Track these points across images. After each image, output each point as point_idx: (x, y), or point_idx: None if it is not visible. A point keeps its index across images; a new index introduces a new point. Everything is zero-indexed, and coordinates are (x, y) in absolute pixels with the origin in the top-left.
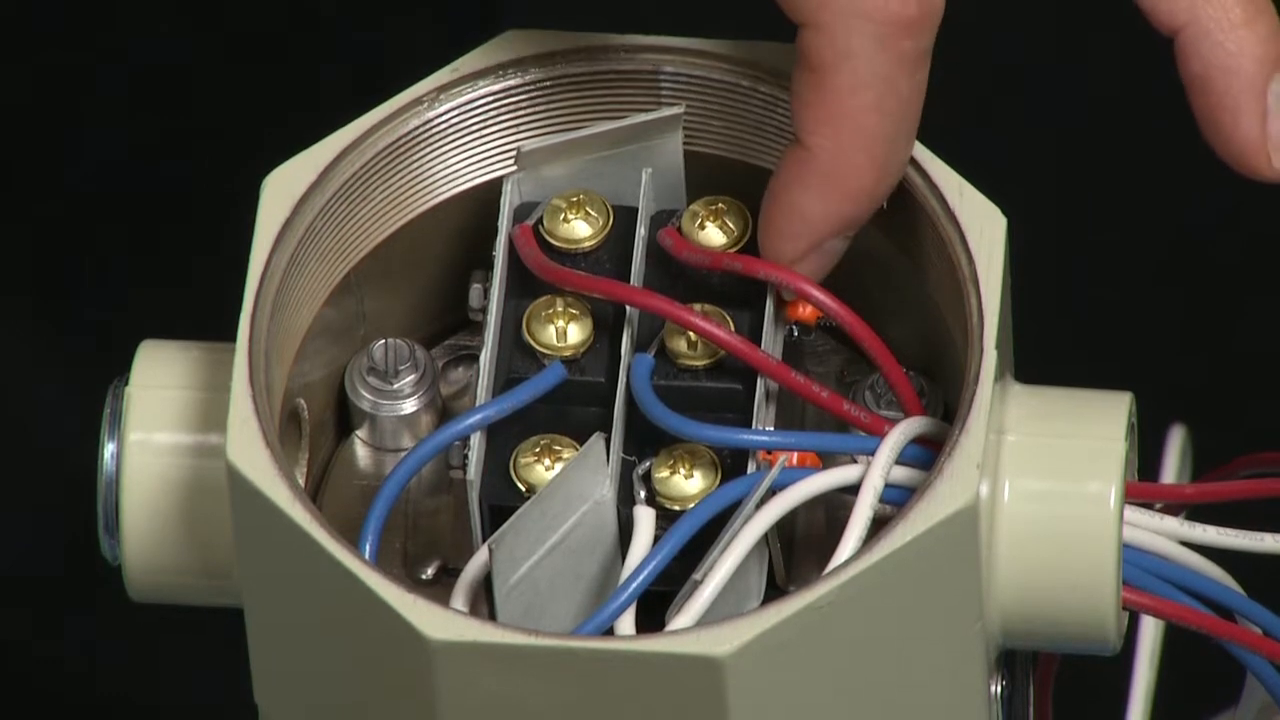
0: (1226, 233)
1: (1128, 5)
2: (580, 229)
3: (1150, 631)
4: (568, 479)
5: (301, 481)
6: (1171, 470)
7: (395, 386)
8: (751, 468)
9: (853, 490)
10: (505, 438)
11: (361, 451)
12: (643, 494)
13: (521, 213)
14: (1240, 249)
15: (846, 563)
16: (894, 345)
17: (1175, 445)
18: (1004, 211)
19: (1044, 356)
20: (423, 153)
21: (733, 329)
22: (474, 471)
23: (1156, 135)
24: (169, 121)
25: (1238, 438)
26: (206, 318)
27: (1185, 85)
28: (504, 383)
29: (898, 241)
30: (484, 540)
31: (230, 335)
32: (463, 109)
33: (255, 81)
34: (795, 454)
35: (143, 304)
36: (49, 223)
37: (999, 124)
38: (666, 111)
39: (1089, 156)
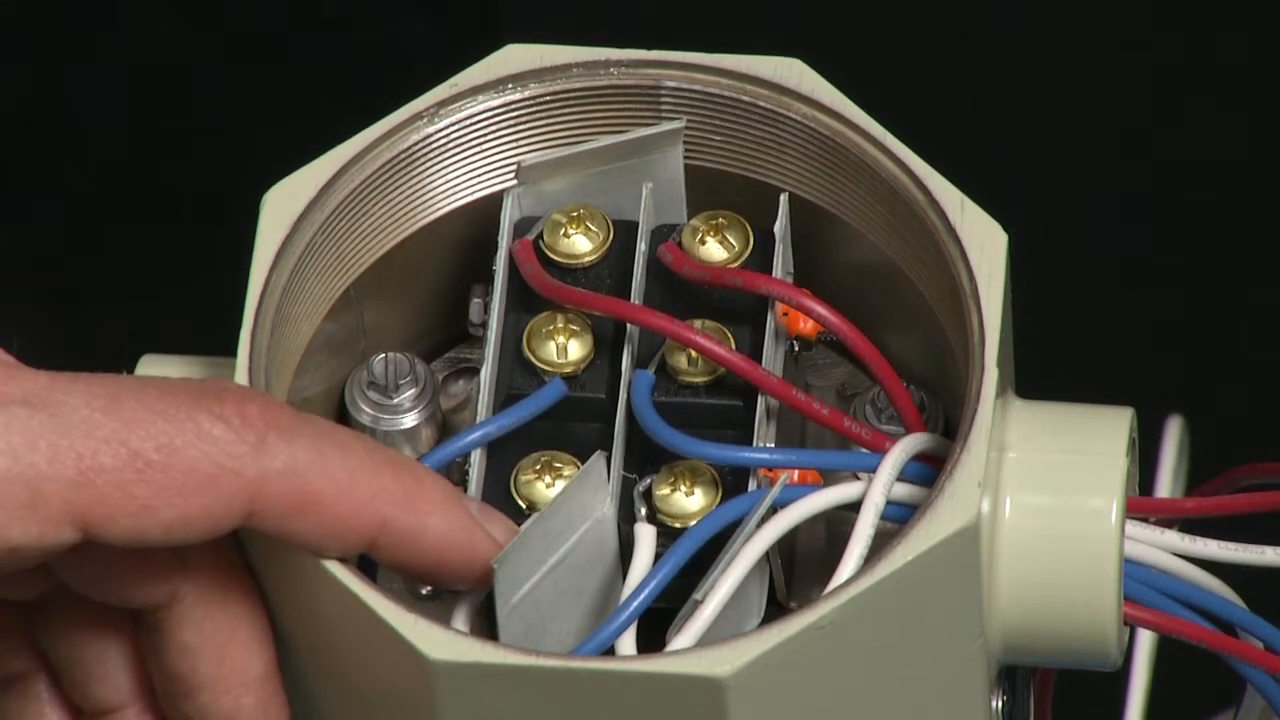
0: (1226, 237)
1: (1125, 21)
2: (580, 244)
3: (1147, 636)
4: (569, 497)
5: None
6: (1169, 462)
7: (395, 401)
8: (752, 485)
9: (854, 507)
10: (505, 454)
11: None
12: (644, 511)
13: (522, 227)
14: (1240, 252)
15: (848, 582)
16: (895, 358)
17: (1173, 437)
18: (1004, 227)
19: (1044, 373)
20: (423, 168)
21: (733, 345)
22: (474, 488)
23: (1157, 143)
24: (169, 122)
25: (1238, 447)
26: (206, 313)
27: None
28: (504, 399)
29: (899, 256)
30: None
31: (229, 341)
32: (462, 124)
33: (255, 82)
34: (796, 471)
35: (143, 303)
36: (49, 223)
37: (1000, 139)
38: (667, 126)
39: (1090, 171)
